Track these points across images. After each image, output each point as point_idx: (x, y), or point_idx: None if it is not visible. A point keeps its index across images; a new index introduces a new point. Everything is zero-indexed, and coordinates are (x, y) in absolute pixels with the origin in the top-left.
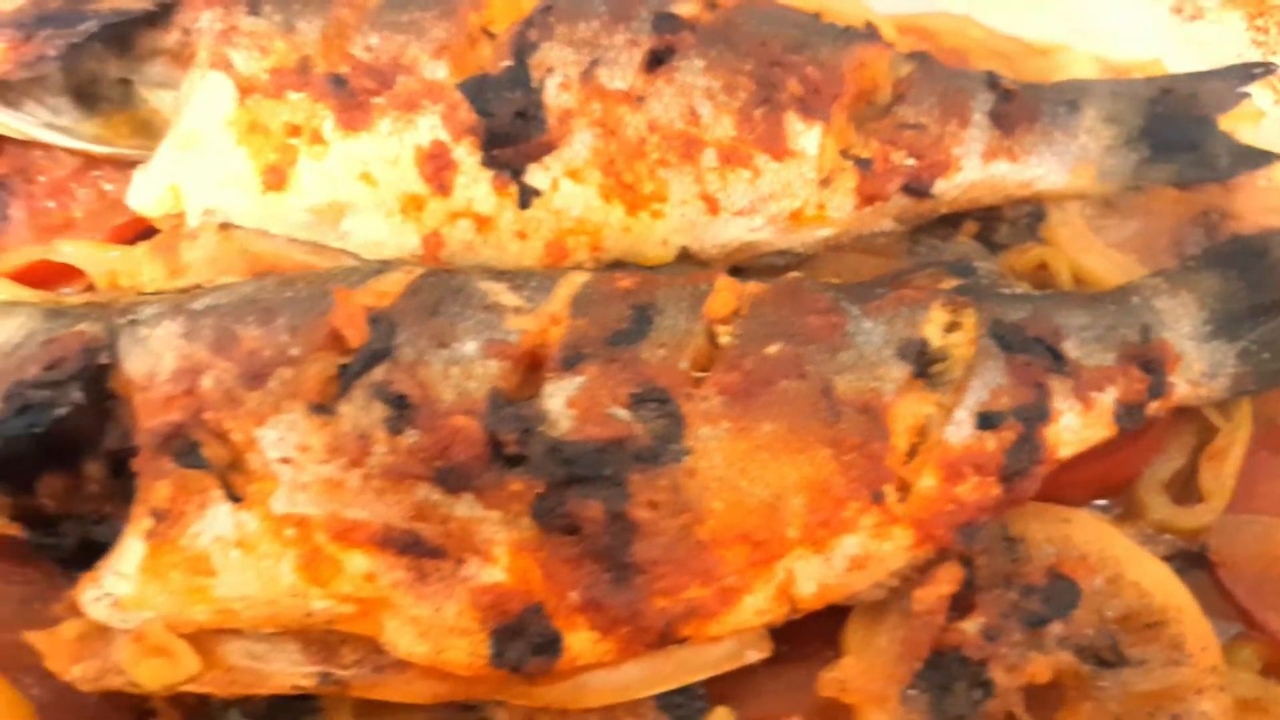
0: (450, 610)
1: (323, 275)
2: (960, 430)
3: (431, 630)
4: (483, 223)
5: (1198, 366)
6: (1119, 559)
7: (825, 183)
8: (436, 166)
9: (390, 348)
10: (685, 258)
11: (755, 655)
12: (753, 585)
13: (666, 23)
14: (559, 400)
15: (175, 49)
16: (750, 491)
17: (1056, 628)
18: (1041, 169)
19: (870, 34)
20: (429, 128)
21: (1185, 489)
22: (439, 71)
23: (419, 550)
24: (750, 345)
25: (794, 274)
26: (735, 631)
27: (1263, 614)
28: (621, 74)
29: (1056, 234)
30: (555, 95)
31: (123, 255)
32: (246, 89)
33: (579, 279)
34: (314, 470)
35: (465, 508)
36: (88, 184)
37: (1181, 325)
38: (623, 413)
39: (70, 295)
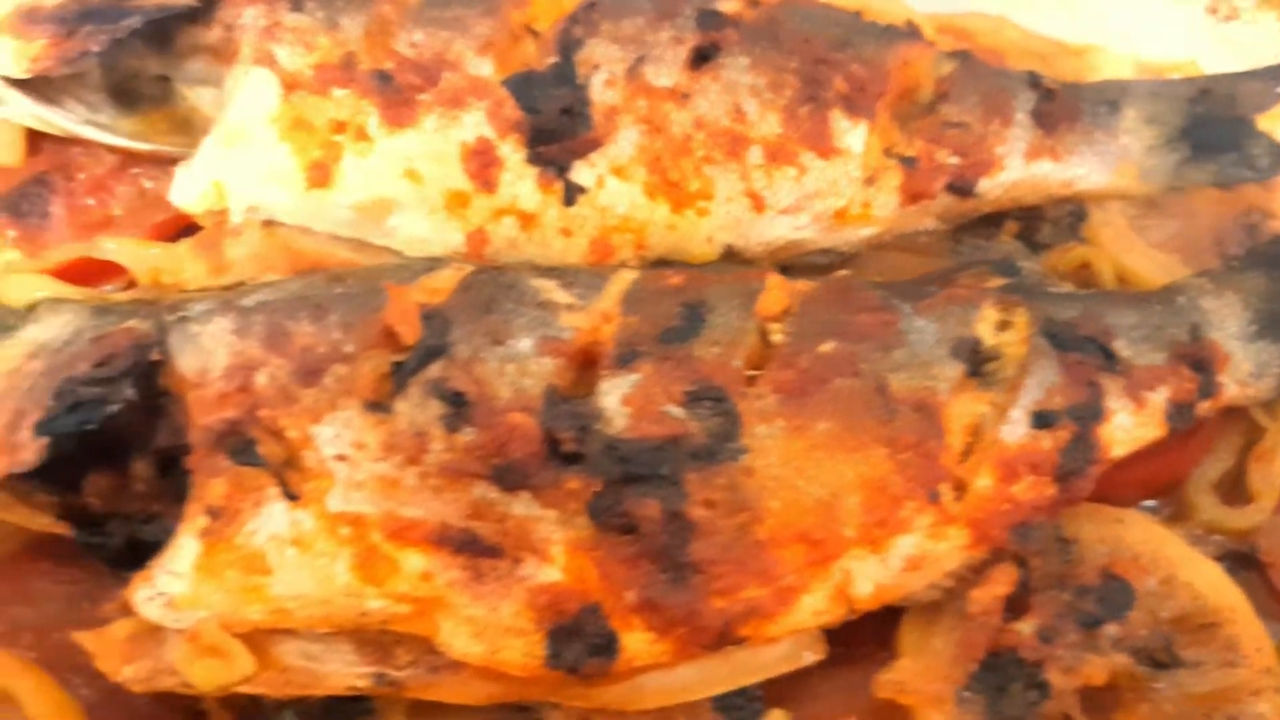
0: (506, 610)
1: (373, 272)
2: (1016, 429)
3: (487, 630)
4: (527, 220)
5: (1245, 366)
6: (1172, 560)
7: (870, 181)
8: (482, 163)
9: (445, 345)
10: (729, 256)
11: (811, 657)
12: (810, 585)
13: (710, 20)
14: (614, 398)
15: (216, 45)
16: (807, 490)
17: (1111, 629)
18: (1083, 169)
19: (912, 32)
20: (474, 124)
21: (1234, 490)
22: (484, 68)
23: (475, 549)
24: (804, 343)
25: (843, 272)
26: (793, 632)
27: None
28: (667, 71)
29: (1098, 234)
30: (601, 92)
31: (165, 252)
32: (291, 85)
33: (629, 276)
34: (370, 468)
35: (522, 506)
36: (127, 181)
37: (1228, 325)
38: (678, 411)
39: (113, 293)
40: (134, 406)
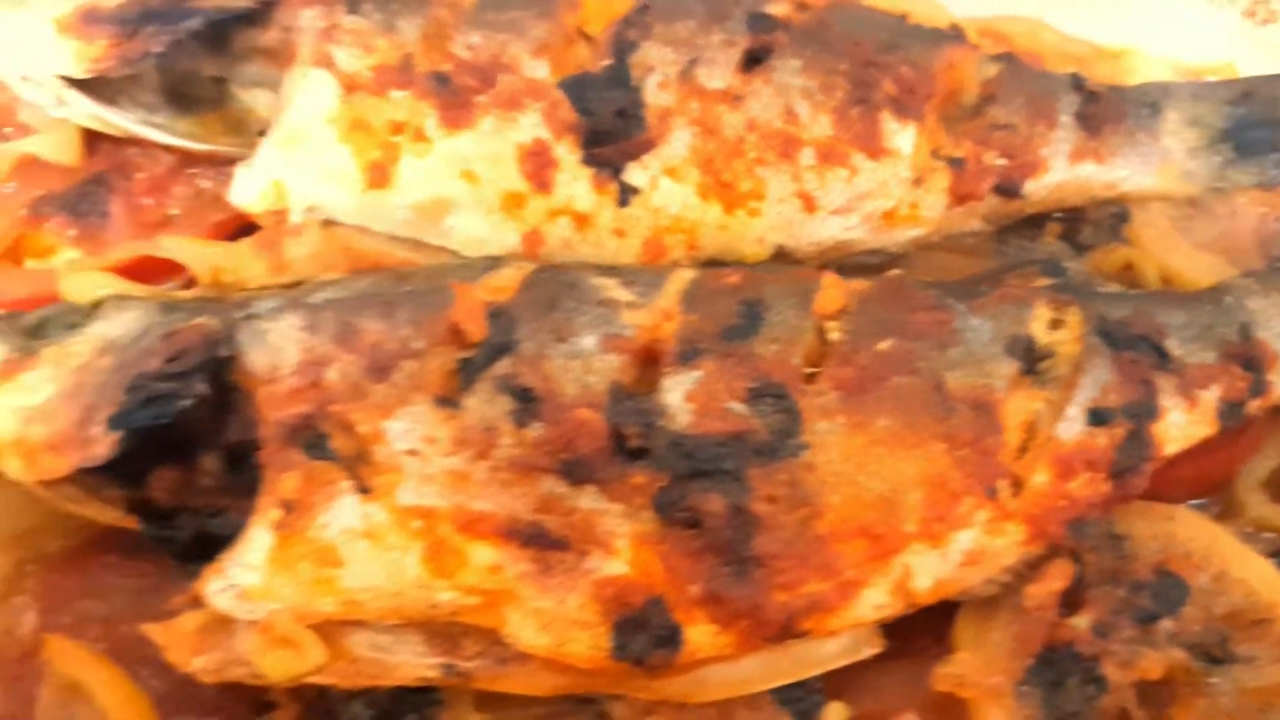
0: (573, 602)
1: (437, 270)
2: (1072, 426)
3: (554, 623)
4: (581, 220)
5: None
6: (1224, 556)
7: (918, 182)
8: (538, 164)
9: (511, 342)
10: (780, 256)
11: (869, 650)
12: (871, 579)
13: (761, 23)
14: (677, 394)
15: (273, 47)
16: (867, 486)
17: (1167, 624)
18: (1126, 170)
19: (957, 35)
20: (530, 126)
21: None
22: (539, 70)
23: (543, 542)
24: (861, 341)
25: (895, 271)
26: (853, 626)
27: None
28: (720, 73)
29: (1141, 235)
30: (655, 94)
31: (226, 251)
32: (350, 86)
33: (687, 275)
34: (440, 462)
35: (588, 500)
36: (184, 181)
37: (1275, 325)
38: (740, 407)
39: (175, 290)
40: (205, 402)
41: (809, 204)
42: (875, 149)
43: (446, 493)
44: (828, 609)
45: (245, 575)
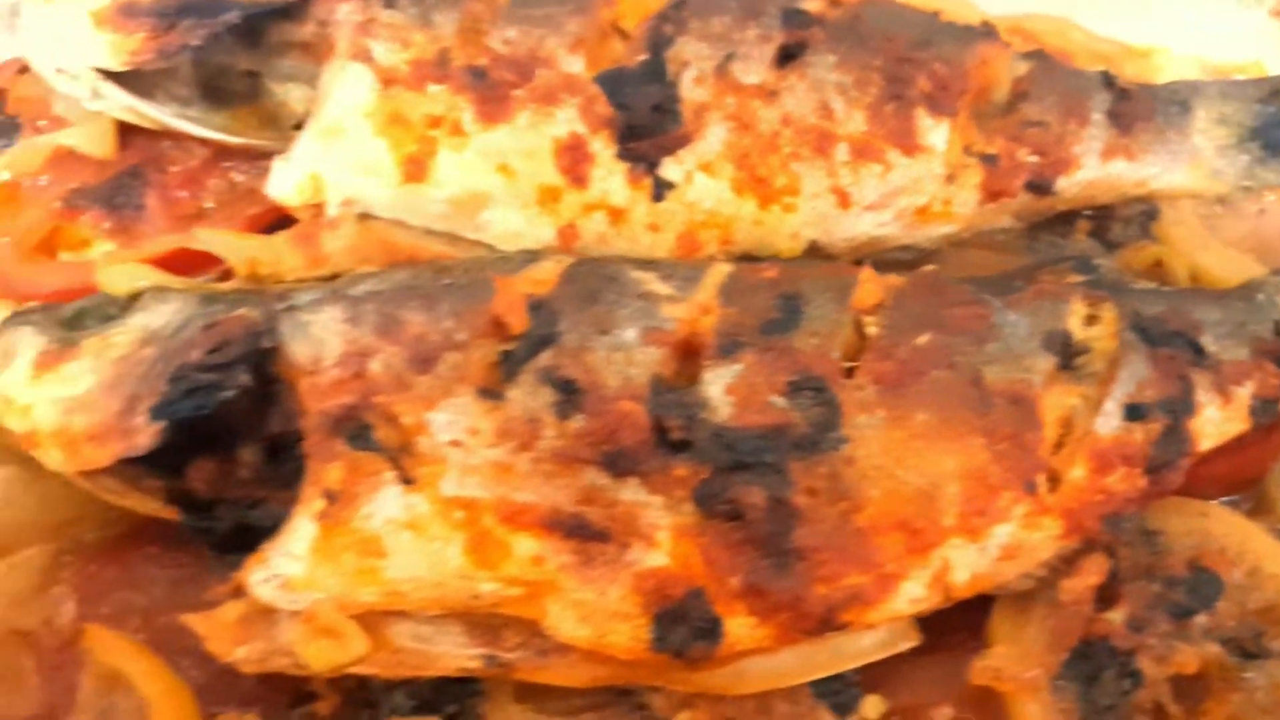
0: (614, 594)
1: (477, 263)
2: (1109, 421)
3: (595, 614)
4: (616, 215)
5: None
6: (1258, 553)
7: (951, 178)
8: (574, 159)
9: (554, 334)
10: (813, 251)
11: (906, 644)
12: (910, 573)
13: (796, 18)
14: (718, 388)
15: (309, 41)
16: (907, 480)
17: (1201, 619)
18: (1157, 168)
19: (989, 32)
20: (566, 120)
21: None
22: (575, 65)
23: (585, 534)
24: (900, 336)
25: (930, 267)
26: (891, 619)
27: None
28: (755, 69)
29: (1170, 232)
30: (690, 89)
31: (263, 244)
32: (387, 80)
33: (724, 269)
34: (483, 454)
35: (630, 492)
36: (218, 174)
37: None
38: (781, 400)
39: (212, 283)
40: (246, 393)
41: (843, 200)
42: (909, 145)
43: (489, 484)
44: (867, 602)
45: (289, 565)
